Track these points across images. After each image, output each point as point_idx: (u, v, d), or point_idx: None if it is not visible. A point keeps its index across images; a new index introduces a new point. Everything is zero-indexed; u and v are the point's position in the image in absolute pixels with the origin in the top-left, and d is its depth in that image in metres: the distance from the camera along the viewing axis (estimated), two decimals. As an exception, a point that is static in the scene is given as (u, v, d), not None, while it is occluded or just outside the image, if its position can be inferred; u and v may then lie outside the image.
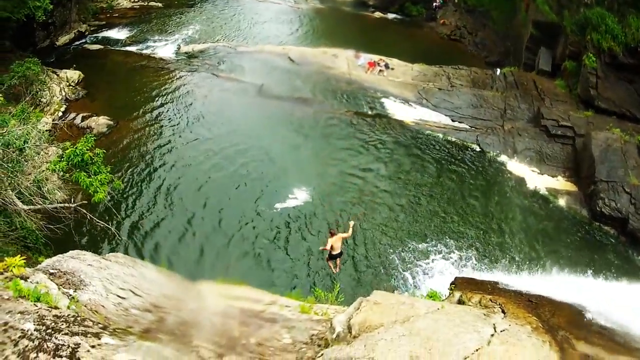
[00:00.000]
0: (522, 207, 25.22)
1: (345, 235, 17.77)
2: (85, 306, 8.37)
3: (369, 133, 29.75)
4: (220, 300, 11.40)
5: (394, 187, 25.41)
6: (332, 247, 17.60)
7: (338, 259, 18.32)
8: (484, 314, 9.82)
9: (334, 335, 8.76)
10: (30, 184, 16.12)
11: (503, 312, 10.93)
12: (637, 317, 13.04)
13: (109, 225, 17.52)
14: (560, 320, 11.55)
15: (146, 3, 49.11)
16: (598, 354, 10.17)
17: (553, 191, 26.33)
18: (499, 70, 36.25)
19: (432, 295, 14.53)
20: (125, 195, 22.59)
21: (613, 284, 19.65)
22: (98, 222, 16.81)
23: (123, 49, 38.29)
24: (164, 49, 38.80)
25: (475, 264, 21.06)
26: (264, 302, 12.09)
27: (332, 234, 17.74)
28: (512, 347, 8.25)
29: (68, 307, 7.88)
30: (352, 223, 17.79)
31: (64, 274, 9.00)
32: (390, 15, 53.56)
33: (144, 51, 38.07)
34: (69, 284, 8.74)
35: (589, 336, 11.23)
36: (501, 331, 8.83)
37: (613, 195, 24.18)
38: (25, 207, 15.63)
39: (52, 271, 9.00)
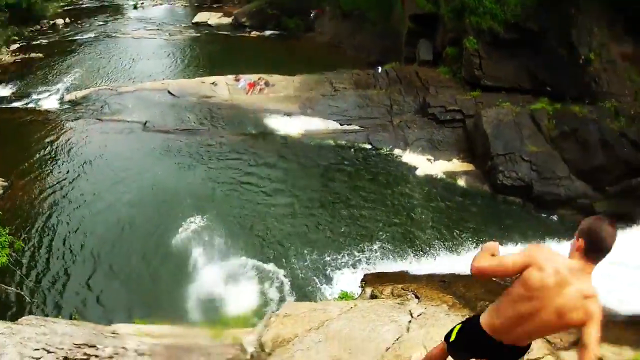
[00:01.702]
0: (422, 194, 24.75)
1: None
2: (1, 376, 7.41)
3: (257, 153, 28.87)
4: (143, 340, 10.38)
5: (291, 201, 24.67)
6: None
7: None
8: (398, 303, 9.95)
9: (248, 356, 8.51)
10: None
11: (417, 297, 11.05)
12: None
13: (17, 289, 17.12)
14: (476, 292, 11.68)
15: (27, 55, 47.26)
16: None
17: (451, 174, 25.90)
18: (380, 68, 35.70)
19: (344, 296, 14.19)
20: (28, 255, 21.02)
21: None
22: (6, 288, 16.17)
23: (8, 106, 36.36)
24: (48, 100, 36.96)
25: (384, 258, 20.36)
26: (180, 335, 11.40)
27: None
28: (431, 328, 8.25)
29: (-18, 382, 6.88)
30: None
31: None
32: (268, 32, 53.54)
33: (30, 105, 36.25)
34: None
35: None
36: (418, 316, 8.89)
37: (512, 166, 23.99)
38: None
39: None
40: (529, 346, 4.96)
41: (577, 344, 4.45)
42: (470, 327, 5.02)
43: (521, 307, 4.53)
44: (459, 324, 5.29)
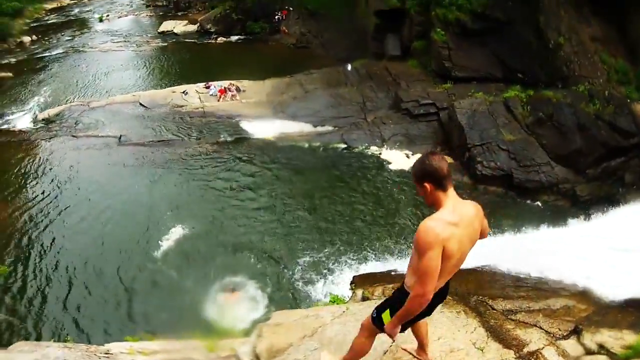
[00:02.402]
0: (402, 190, 24.57)
1: None
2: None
3: (232, 159, 28.73)
4: (133, 357, 10.29)
5: (270, 206, 24.59)
6: None
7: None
8: None
9: None
10: None
11: None
12: (549, 262, 13.19)
13: (6, 315, 17.38)
14: (469, 287, 11.31)
15: (-5, 75, 46.81)
16: (522, 305, 10.15)
17: None
18: (349, 66, 35.60)
19: (335, 300, 13.85)
20: (15, 280, 20.83)
21: (515, 237, 19.44)
22: None
23: None
24: (21, 120, 36.51)
25: (370, 258, 20.27)
26: (173, 350, 11.20)
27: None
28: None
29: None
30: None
31: None
32: (234, 38, 53.30)
33: (3, 127, 35.65)
34: None
35: (506, 292, 11.37)
36: None
37: (490, 156, 23.99)
38: None
39: None
40: (447, 284, 5.29)
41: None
42: (401, 299, 5.03)
43: (451, 265, 4.80)
44: (385, 309, 5.35)
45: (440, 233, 4.53)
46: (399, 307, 4.97)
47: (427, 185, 4.66)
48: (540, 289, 11.66)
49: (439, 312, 8.57)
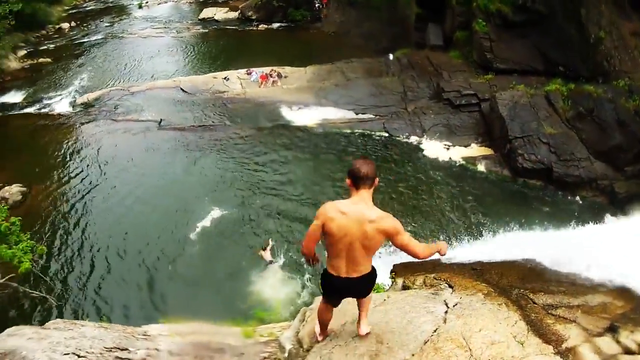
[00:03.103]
0: (443, 181, 24.73)
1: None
2: (33, 383, 7.37)
3: (272, 145, 28.88)
4: (174, 340, 10.41)
5: (312, 191, 24.68)
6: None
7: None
8: (432, 293, 9.44)
9: (286, 354, 8.18)
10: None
11: (450, 286, 10.42)
12: (587, 258, 12.94)
13: (42, 293, 17.03)
14: (510, 280, 11.38)
15: (35, 61, 47.14)
16: (562, 301, 10.07)
17: (470, 159, 25.94)
18: (391, 55, 35.69)
19: (375, 288, 13.46)
20: (52, 259, 21.15)
21: (555, 232, 19.42)
22: (31, 293, 16.17)
23: (21, 112, 36.40)
24: (60, 104, 37.03)
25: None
26: (208, 334, 11.16)
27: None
28: (469, 318, 7.94)
29: (14, 390, 6.85)
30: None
31: (5, 355, 7.88)
32: (275, 25, 53.15)
33: (42, 110, 36.26)
34: None
35: (547, 286, 11.15)
36: (454, 306, 8.51)
37: (531, 149, 23.98)
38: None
39: None
40: (368, 275, 6.25)
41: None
42: (326, 279, 6.34)
43: (338, 249, 5.91)
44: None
45: (326, 212, 5.86)
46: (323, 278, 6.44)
47: (347, 180, 5.87)
48: (578, 284, 11.65)
49: (482, 304, 8.76)
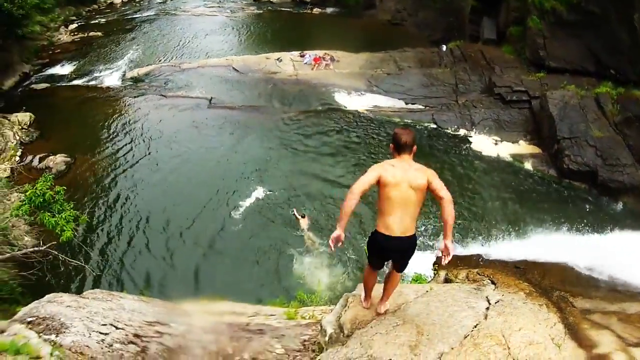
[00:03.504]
0: (489, 176, 24.88)
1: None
2: (69, 349, 7.86)
3: (322, 128, 29.29)
4: (207, 318, 10.96)
5: (355, 177, 23.97)
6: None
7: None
8: (475, 289, 9.45)
9: (327, 338, 8.27)
10: (-5, 234, 15.42)
11: (493, 283, 10.82)
12: (628, 265, 13.04)
13: (81, 262, 17.00)
14: (552, 281, 11.71)
15: (86, 34, 48.20)
16: (598, 306, 10.17)
17: (517, 156, 26.05)
18: (444, 47, 35.94)
19: (418, 279, 14.13)
20: (93, 230, 21.65)
21: (596, 236, 19.47)
22: (71, 261, 16.06)
23: (70, 84, 37.17)
24: (109, 77, 37.81)
25: (454, 240, 20.07)
26: (247, 314, 11.60)
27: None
28: (509, 316, 8.01)
29: (51, 355, 7.42)
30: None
31: (43, 320, 8.45)
32: (329, 10, 53.56)
33: (91, 83, 37.03)
34: (50, 330, 8.21)
35: (586, 291, 11.32)
36: (495, 303, 8.55)
37: (578, 151, 23.94)
38: (-7, 257, 14.86)
39: (29, 319, 8.45)
40: (413, 238, 7.02)
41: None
42: (374, 240, 7.08)
43: (393, 201, 6.72)
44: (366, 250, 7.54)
45: (380, 166, 6.82)
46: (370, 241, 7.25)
47: (391, 145, 7.01)
48: (616, 290, 11.68)
49: (523, 302, 8.91)
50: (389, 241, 6.83)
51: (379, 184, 6.74)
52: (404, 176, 6.67)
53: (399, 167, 6.75)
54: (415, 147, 6.94)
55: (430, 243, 20.12)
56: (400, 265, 7.45)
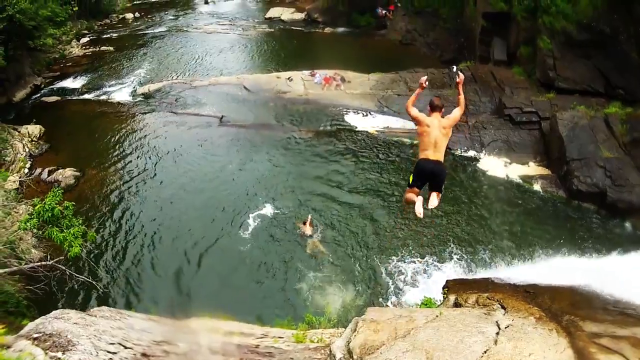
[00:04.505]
0: (499, 198, 24.87)
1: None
2: (76, 368, 7.68)
3: (332, 148, 29.44)
4: (215, 337, 10.89)
5: (369, 200, 24.79)
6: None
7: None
8: (485, 313, 9.66)
9: None
10: (2, 246, 15.72)
11: (503, 307, 10.72)
12: (638, 287, 12.79)
13: (89, 279, 17.12)
14: (561, 305, 11.45)
15: (97, 48, 48.82)
16: (607, 330, 10.05)
17: (527, 178, 26.02)
18: (455, 67, 35.55)
19: (427, 303, 14.21)
20: (101, 246, 21.90)
21: (605, 258, 19.31)
22: (78, 277, 16.31)
23: (80, 97, 37.68)
24: (120, 92, 38.21)
25: (463, 263, 20.47)
26: (255, 336, 11.54)
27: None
28: (520, 342, 8.10)
29: (57, 372, 7.17)
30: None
31: (49, 336, 8.33)
32: (340, 29, 53.54)
33: (101, 97, 37.47)
34: (56, 347, 8.09)
35: (595, 314, 11.20)
36: (505, 328, 8.72)
37: (587, 172, 24.02)
38: (0, 270, 14.98)
39: (35, 335, 8.36)
40: (443, 164, 9.44)
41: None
42: (417, 165, 9.48)
43: (428, 136, 9.36)
44: (411, 175, 9.65)
45: (422, 116, 9.62)
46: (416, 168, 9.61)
47: (429, 106, 9.67)
48: (626, 314, 11.53)
49: (533, 327, 9.03)
50: (427, 163, 9.28)
51: (419, 123, 9.51)
52: (436, 122, 9.37)
53: (433, 116, 9.48)
54: (443, 109, 9.64)
55: (439, 267, 20.23)
56: (435, 184, 9.45)
